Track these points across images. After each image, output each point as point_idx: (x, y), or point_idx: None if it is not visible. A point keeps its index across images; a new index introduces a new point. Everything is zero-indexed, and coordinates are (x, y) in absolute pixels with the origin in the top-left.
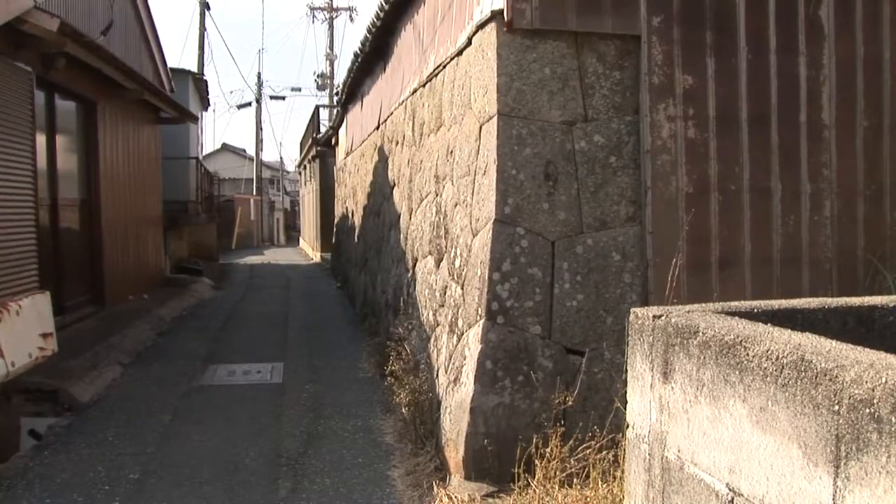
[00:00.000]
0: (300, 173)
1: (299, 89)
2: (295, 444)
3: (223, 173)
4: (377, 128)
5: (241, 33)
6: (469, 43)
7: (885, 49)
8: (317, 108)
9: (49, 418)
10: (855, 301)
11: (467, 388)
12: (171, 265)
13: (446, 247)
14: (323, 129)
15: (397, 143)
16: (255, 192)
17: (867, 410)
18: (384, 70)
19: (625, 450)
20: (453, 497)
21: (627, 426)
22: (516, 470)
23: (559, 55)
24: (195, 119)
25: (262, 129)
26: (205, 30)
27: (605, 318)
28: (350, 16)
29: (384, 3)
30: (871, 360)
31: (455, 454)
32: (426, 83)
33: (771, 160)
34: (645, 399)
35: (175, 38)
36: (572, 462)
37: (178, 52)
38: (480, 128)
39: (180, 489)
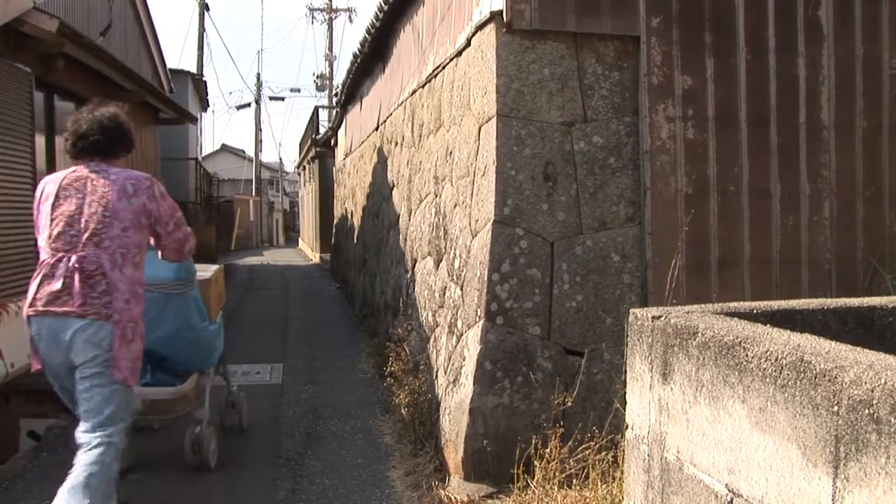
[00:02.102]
0: (299, 174)
1: (298, 90)
2: (294, 445)
3: (222, 174)
4: (376, 129)
5: (241, 34)
6: (468, 44)
7: (884, 50)
8: (316, 108)
9: (48, 419)
10: (854, 302)
11: (466, 388)
12: None
13: (445, 248)
14: (322, 130)
15: (396, 143)
16: (254, 193)
17: (866, 411)
18: (383, 71)
19: (624, 451)
20: (452, 498)
21: (626, 427)
22: (515, 471)
23: (558, 56)
24: (194, 120)
25: (261, 129)
26: (204, 30)
27: (604, 319)
28: (349, 17)
29: (383, 4)
30: (870, 360)
31: (454, 455)
32: (425, 84)
33: (770, 161)
34: (644, 400)
35: (174, 38)
36: (571, 463)
37: (177, 53)
38: (479, 129)
39: (180, 490)
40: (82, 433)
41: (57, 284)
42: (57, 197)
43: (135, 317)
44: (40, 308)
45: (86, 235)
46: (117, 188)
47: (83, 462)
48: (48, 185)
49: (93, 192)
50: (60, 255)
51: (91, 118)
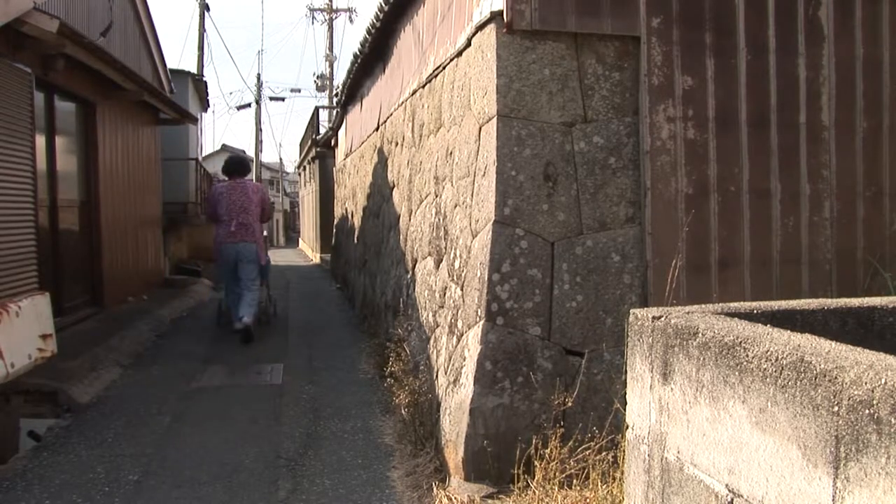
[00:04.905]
0: (300, 174)
1: (299, 90)
2: (294, 446)
3: (223, 175)
4: (377, 129)
5: (241, 34)
6: (468, 44)
7: (884, 50)
8: (316, 109)
9: (48, 419)
10: (854, 302)
11: (467, 389)
12: (170, 266)
13: (446, 248)
14: (322, 131)
15: (397, 144)
16: None
17: (866, 411)
18: (384, 71)
19: (624, 451)
20: (453, 498)
21: (627, 427)
22: (516, 471)
23: (559, 56)
24: (195, 120)
25: (261, 130)
26: (204, 31)
27: (604, 319)
28: (350, 17)
29: (384, 4)
30: (870, 361)
31: (454, 455)
32: (426, 84)
33: (770, 161)
34: (644, 400)
35: (175, 39)
36: (572, 463)
37: (177, 53)
38: (480, 129)
39: (180, 490)
40: (245, 287)
41: (232, 229)
42: (228, 194)
43: (262, 241)
44: (226, 241)
45: (241, 209)
46: (250, 189)
47: (247, 298)
48: (221, 187)
49: (240, 191)
50: (231, 217)
51: (233, 157)
